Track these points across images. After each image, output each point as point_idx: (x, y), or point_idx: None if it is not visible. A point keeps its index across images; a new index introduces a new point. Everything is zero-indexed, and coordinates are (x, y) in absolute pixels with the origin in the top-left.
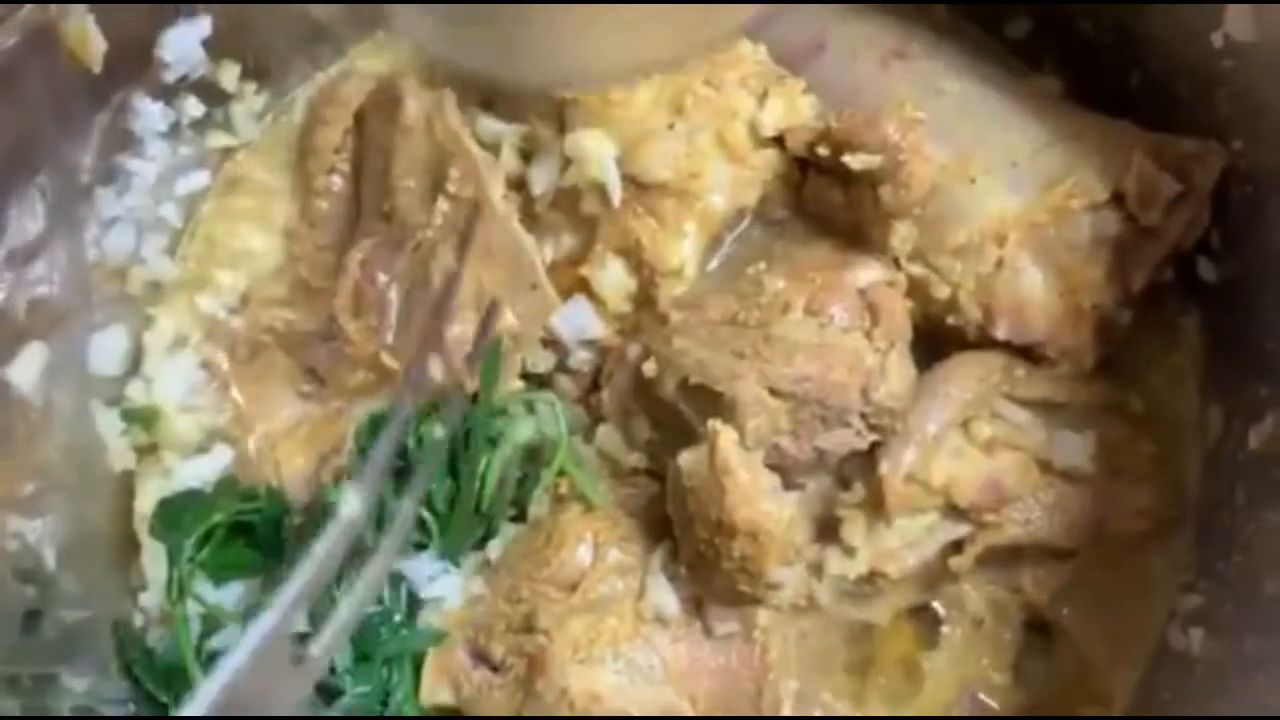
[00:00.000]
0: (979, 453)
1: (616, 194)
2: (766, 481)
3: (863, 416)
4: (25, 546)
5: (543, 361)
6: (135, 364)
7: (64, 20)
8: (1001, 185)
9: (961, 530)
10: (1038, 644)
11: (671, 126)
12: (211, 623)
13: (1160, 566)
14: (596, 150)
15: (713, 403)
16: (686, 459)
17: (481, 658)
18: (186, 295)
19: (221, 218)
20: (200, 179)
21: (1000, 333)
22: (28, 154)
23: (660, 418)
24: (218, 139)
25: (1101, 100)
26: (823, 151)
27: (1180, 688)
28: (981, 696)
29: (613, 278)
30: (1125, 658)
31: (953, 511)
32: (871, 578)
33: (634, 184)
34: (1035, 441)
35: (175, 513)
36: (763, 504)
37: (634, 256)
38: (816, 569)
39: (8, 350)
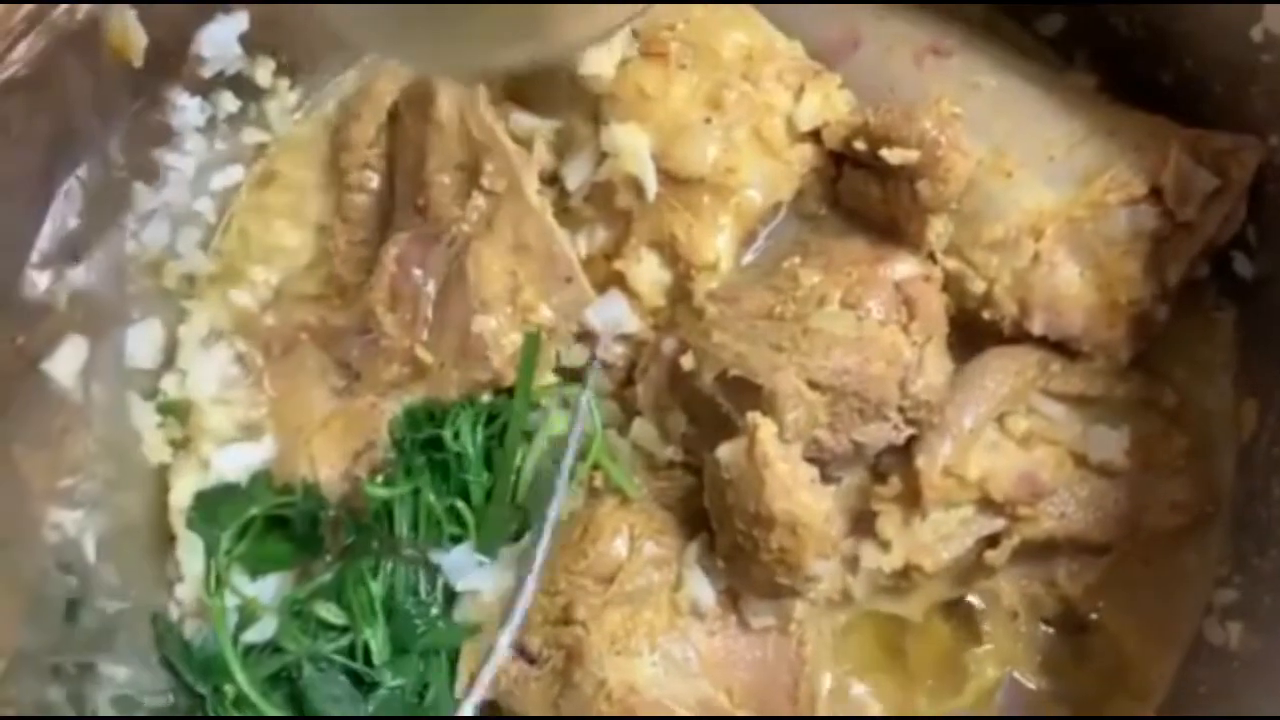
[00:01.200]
0: (1015, 447)
1: (652, 188)
2: (805, 474)
3: (900, 410)
4: (66, 537)
5: (577, 356)
6: (170, 358)
7: (107, 16)
8: (1038, 180)
9: (997, 524)
10: (1073, 638)
11: (708, 121)
12: (248, 615)
13: (1195, 561)
14: (632, 144)
15: (751, 395)
16: (725, 451)
17: (518, 650)
18: (220, 289)
19: (256, 212)
20: (235, 174)
21: (1036, 327)
22: (70, 149)
23: (696, 411)
24: (253, 134)
25: (1134, 96)
26: (860, 146)
27: (1218, 682)
28: (1017, 676)
29: (648, 272)
30: (1161, 652)
31: (988, 505)
32: (906, 572)
33: (669, 178)
34: (1071, 436)
35: (212, 506)
36: (802, 496)
37: (669, 250)
38: (851, 562)
39: (49, 343)
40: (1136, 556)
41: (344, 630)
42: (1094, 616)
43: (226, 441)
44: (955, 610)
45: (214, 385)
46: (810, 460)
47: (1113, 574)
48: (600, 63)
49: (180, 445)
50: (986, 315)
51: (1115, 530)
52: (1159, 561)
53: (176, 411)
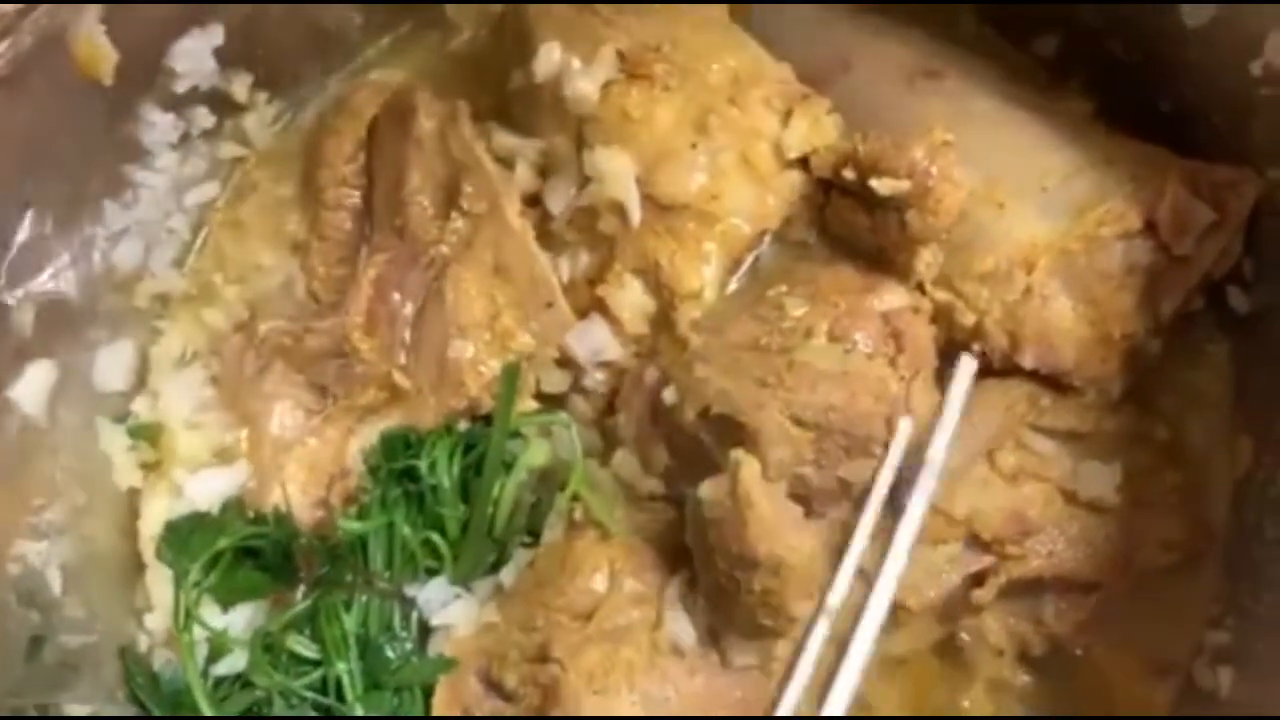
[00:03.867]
0: (1003, 483)
1: (636, 214)
2: (789, 514)
3: (886, 446)
4: (29, 569)
5: (557, 382)
6: (141, 379)
7: (73, 32)
8: (1031, 210)
9: (984, 562)
10: (1060, 676)
11: (694, 146)
12: (218, 648)
13: (1186, 600)
14: (617, 169)
15: (735, 432)
16: (707, 490)
17: (494, 686)
18: (194, 309)
19: (230, 230)
20: (210, 190)
21: (1027, 361)
22: (37, 164)
23: (678, 444)
24: (229, 149)
25: (1131, 122)
26: (849, 175)
27: None
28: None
29: (631, 298)
30: (1150, 691)
31: (975, 542)
32: (892, 610)
33: (654, 204)
34: (1061, 472)
35: (182, 537)
36: (785, 537)
37: (652, 277)
38: None
39: (14, 367)
40: (1126, 594)
41: (316, 664)
42: (1080, 654)
43: (199, 466)
44: (942, 647)
45: (187, 408)
46: (794, 497)
47: (1101, 612)
48: (584, 84)
49: (151, 469)
50: (976, 348)
51: (1105, 568)
52: (1149, 600)
53: (148, 435)
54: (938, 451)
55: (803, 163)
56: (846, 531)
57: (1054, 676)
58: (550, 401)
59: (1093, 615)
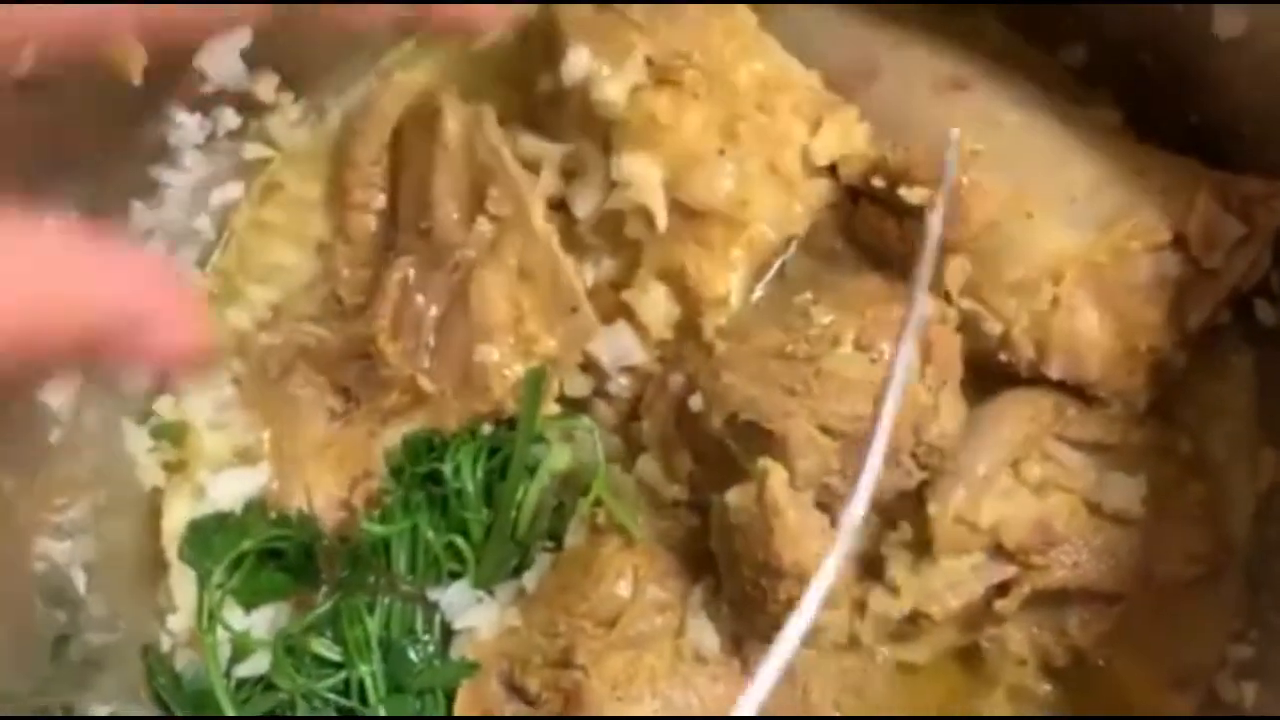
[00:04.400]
0: (1028, 494)
1: (663, 219)
2: (816, 523)
3: (913, 456)
4: (54, 568)
5: (581, 387)
6: (165, 379)
7: None
8: (1059, 221)
9: (1007, 572)
10: (1082, 687)
11: (721, 152)
12: (242, 649)
13: (1208, 613)
14: (644, 175)
15: (762, 440)
16: (734, 497)
17: (516, 690)
18: (218, 309)
19: (255, 230)
20: (235, 191)
21: (1054, 372)
22: (64, 165)
23: (703, 451)
24: (254, 149)
25: (1160, 134)
26: (878, 183)
27: None
28: None
29: (656, 304)
30: (1172, 704)
31: (999, 553)
32: (914, 618)
33: (681, 210)
34: (1086, 483)
35: (205, 537)
36: (811, 546)
37: (678, 283)
38: (859, 607)
39: (43, 370)
40: (1149, 606)
41: (338, 667)
42: (1103, 665)
43: (222, 466)
44: (964, 656)
45: (209, 408)
46: (820, 506)
47: (1124, 624)
48: (612, 89)
49: (174, 469)
50: (1003, 358)
51: (1128, 580)
52: (1171, 612)
53: (171, 435)
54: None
55: (831, 170)
56: (872, 540)
57: (1075, 687)
58: (573, 406)
59: (1115, 627)
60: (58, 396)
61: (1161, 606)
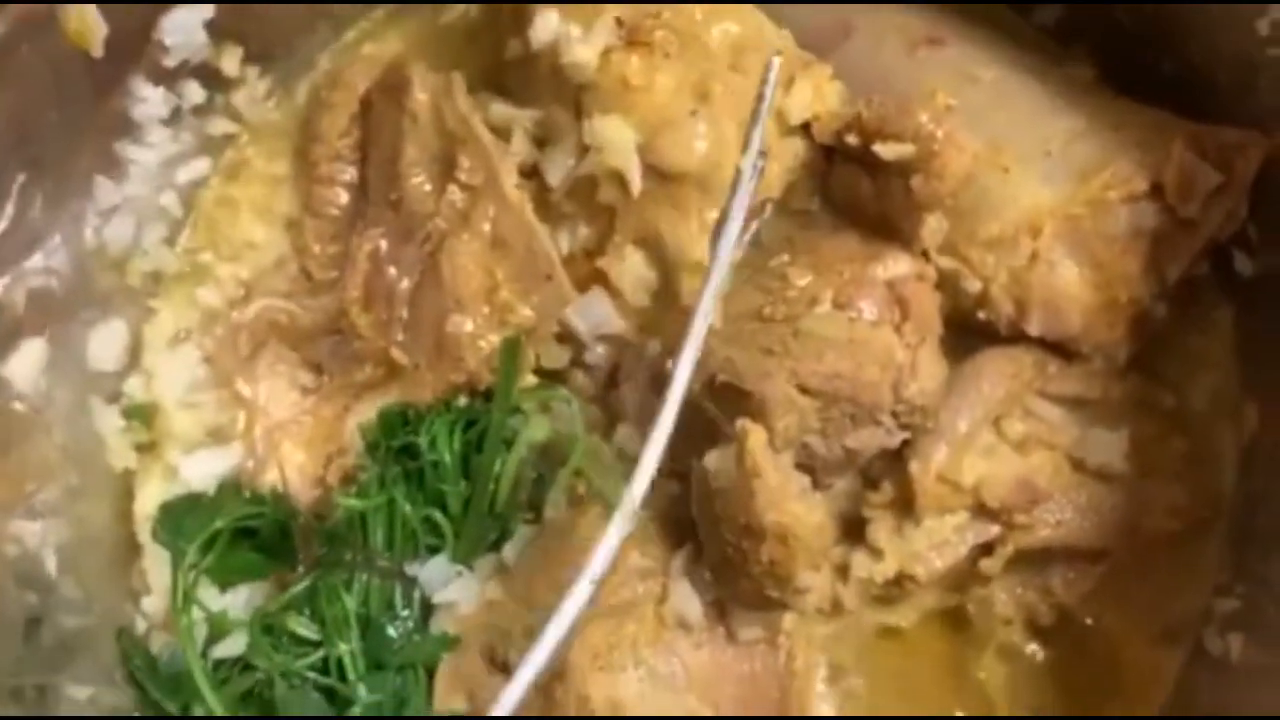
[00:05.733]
0: (1011, 451)
1: (637, 183)
2: (796, 484)
3: (893, 414)
4: (25, 551)
5: (557, 357)
6: (135, 359)
7: (63, 3)
8: (1035, 175)
9: (991, 531)
10: (1068, 646)
11: (695, 113)
12: (217, 630)
13: (1194, 568)
14: (617, 137)
15: (740, 401)
16: (714, 460)
17: (497, 664)
18: (187, 287)
19: (223, 207)
20: (201, 167)
21: (1033, 328)
22: (27, 141)
23: (682, 416)
24: (220, 125)
25: (1134, 87)
26: (852, 140)
27: (1219, 693)
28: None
29: (632, 270)
30: (1159, 658)
31: (983, 512)
32: (899, 580)
33: (655, 173)
34: (1068, 439)
35: (177, 518)
36: (793, 507)
37: (654, 248)
38: (842, 572)
39: (6, 345)
40: (1133, 562)
41: (317, 645)
42: (1089, 622)
43: (194, 446)
44: (950, 619)
45: (181, 387)
46: (800, 467)
47: (1109, 581)
48: (583, 51)
49: (146, 450)
50: (982, 315)
51: (1112, 536)
52: (1157, 567)
53: (142, 415)
54: (707, 304)
55: (804, 129)
56: (853, 502)
57: (1062, 645)
58: (550, 377)
59: (1101, 584)
60: (25, 373)
61: (1146, 562)
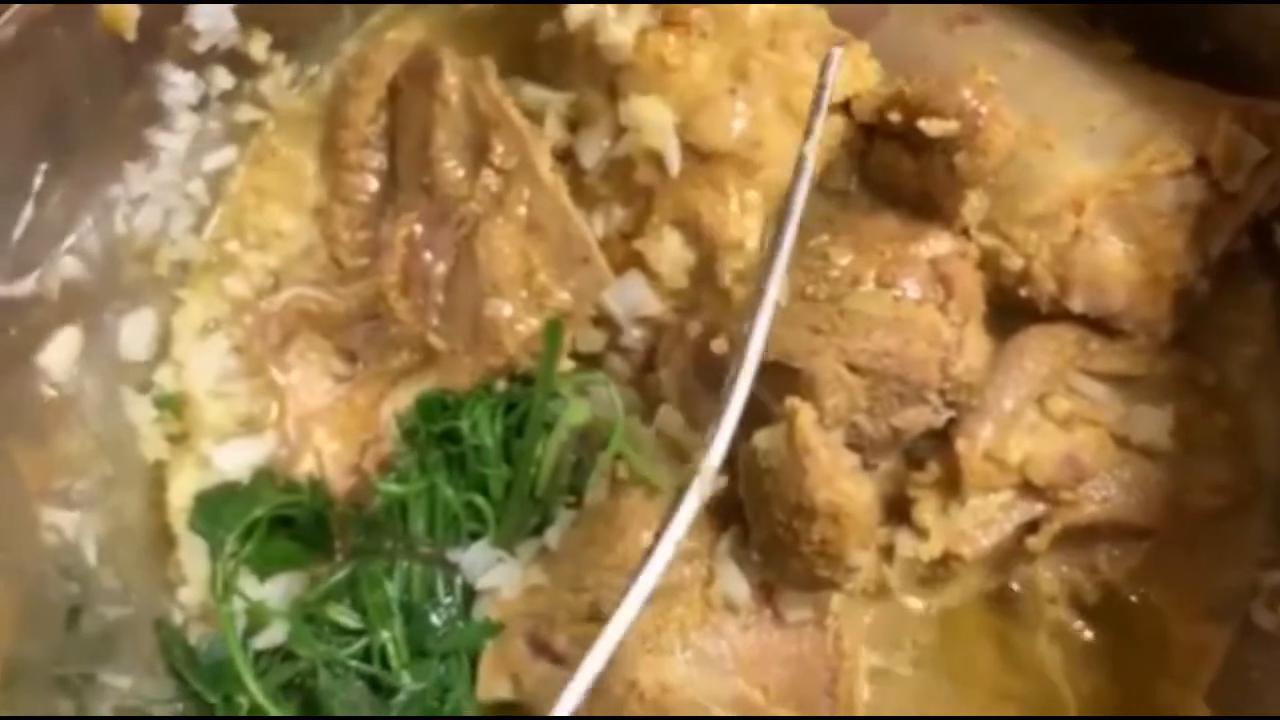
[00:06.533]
0: (1055, 429)
1: (675, 163)
2: (846, 461)
3: (940, 393)
4: (64, 540)
5: (594, 341)
6: (165, 349)
7: None
8: (1079, 151)
9: (1037, 509)
10: (1115, 623)
11: (733, 92)
12: (256, 620)
13: (1238, 543)
14: (654, 117)
15: (789, 380)
16: (763, 439)
17: (543, 649)
18: (215, 277)
19: (250, 196)
20: (228, 155)
21: (1076, 305)
22: (60, 126)
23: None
24: (247, 112)
25: (1167, 63)
26: (894, 118)
27: (1271, 666)
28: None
29: (670, 251)
30: (1206, 634)
31: (1029, 490)
32: (944, 560)
33: (692, 153)
34: (1113, 416)
35: (214, 507)
36: (844, 484)
37: (692, 229)
38: (886, 553)
39: (41, 335)
40: (1178, 539)
41: (359, 633)
42: (1135, 600)
43: (226, 436)
44: (996, 600)
45: (211, 377)
46: (849, 446)
47: (1154, 557)
48: (619, 32)
49: (178, 441)
50: (1024, 293)
51: (1157, 513)
52: (1202, 543)
53: (173, 406)
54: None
55: (844, 108)
56: (897, 483)
57: (1109, 623)
58: (586, 361)
59: (1146, 561)
60: (59, 363)
61: (1191, 538)
